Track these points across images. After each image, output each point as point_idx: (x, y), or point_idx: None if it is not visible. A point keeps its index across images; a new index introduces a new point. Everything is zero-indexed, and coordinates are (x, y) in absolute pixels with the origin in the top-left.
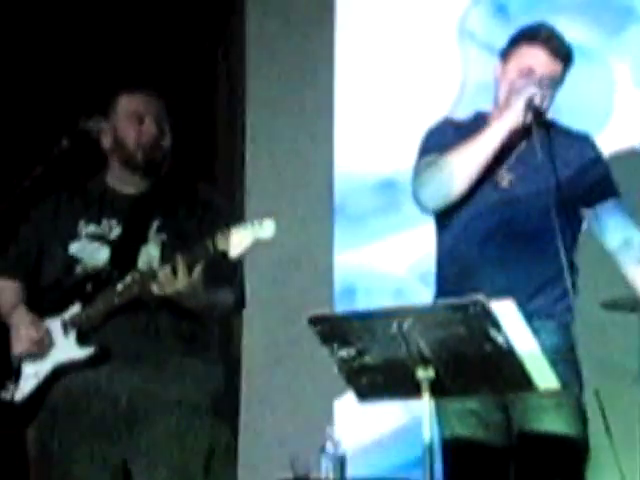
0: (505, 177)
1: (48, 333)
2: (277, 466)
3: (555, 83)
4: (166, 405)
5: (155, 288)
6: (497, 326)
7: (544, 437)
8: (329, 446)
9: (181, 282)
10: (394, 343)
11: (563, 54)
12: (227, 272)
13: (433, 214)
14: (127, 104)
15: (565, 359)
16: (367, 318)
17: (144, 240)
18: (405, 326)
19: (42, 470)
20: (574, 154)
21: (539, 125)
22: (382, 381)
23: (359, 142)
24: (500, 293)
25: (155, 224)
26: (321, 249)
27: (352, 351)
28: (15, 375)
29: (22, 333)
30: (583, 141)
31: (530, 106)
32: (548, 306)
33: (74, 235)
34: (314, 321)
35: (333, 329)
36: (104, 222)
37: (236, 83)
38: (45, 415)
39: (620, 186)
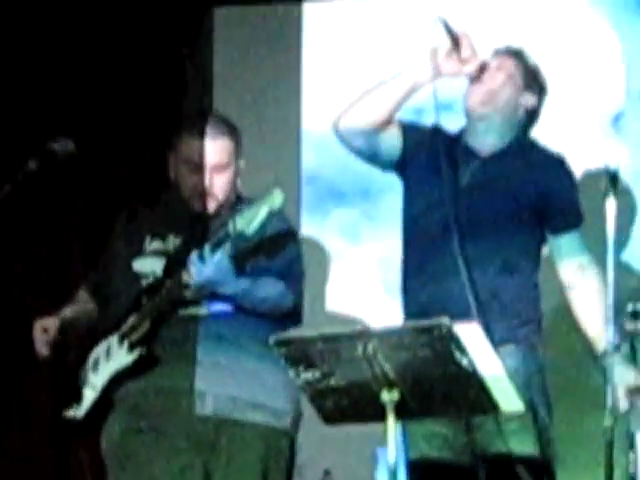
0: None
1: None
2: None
3: None
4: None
5: (186, 278)
6: (462, 349)
7: (508, 459)
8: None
9: (210, 267)
10: (359, 365)
11: None
12: (282, 264)
13: (354, 150)
14: (186, 150)
15: (529, 382)
16: (332, 340)
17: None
18: (370, 348)
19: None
20: (548, 175)
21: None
22: (347, 404)
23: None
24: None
25: (219, 233)
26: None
27: (317, 373)
28: (78, 393)
29: (35, 332)
30: (558, 164)
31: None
32: (512, 329)
33: (140, 252)
34: (278, 343)
35: (297, 351)
36: (169, 237)
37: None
38: (125, 421)
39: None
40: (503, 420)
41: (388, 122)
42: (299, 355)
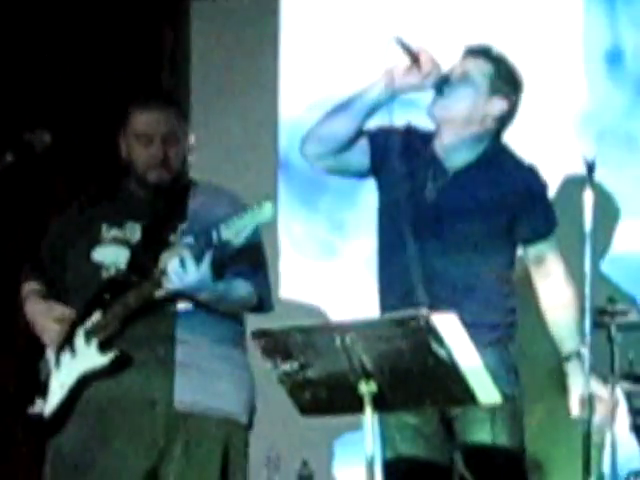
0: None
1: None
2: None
3: None
4: (205, 409)
5: (167, 284)
6: (439, 340)
7: (486, 449)
8: (302, 470)
9: (190, 276)
10: (337, 357)
11: None
12: (243, 267)
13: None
14: (136, 124)
15: (502, 376)
16: (310, 332)
17: (165, 244)
18: (348, 340)
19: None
20: (517, 187)
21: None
22: (325, 395)
23: (305, 94)
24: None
25: (181, 226)
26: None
27: (295, 365)
28: (42, 388)
29: (44, 321)
30: (530, 172)
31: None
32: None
33: (98, 241)
34: (257, 335)
35: (276, 343)
36: (127, 225)
37: (181, 45)
38: (75, 423)
39: None
40: (479, 411)
41: (353, 141)
42: (277, 347)
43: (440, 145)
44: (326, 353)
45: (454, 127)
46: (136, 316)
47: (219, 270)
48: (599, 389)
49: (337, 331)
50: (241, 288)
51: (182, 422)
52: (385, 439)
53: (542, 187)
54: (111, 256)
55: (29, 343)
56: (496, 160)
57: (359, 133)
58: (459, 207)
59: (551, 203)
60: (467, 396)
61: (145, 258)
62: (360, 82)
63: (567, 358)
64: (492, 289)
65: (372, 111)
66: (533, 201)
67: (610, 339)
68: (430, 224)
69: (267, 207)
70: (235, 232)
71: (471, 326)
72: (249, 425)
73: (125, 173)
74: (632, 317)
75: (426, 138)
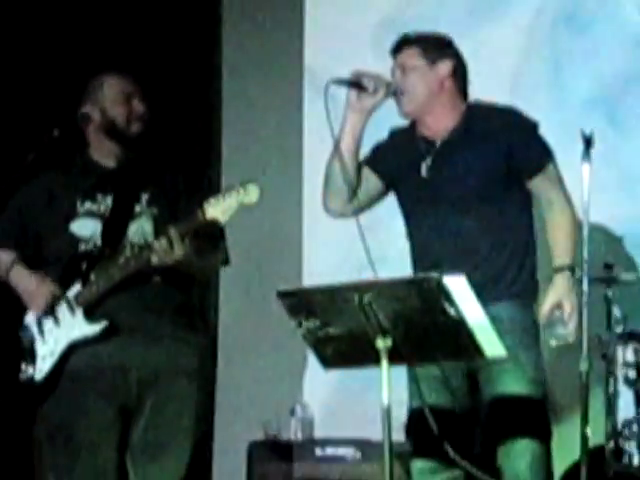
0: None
1: (56, 295)
2: (249, 428)
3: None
4: (165, 372)
5: (154, 259)
6: (450, 300)
7: (509, 398)
8: (298, 409)
9: (177, 252)
10: (356, 315)
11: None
12: (213, 235)
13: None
14: (115, 86)
15: (522, 329)
16: (331, 292)
17: (132, 214)
18: (366, 299)
19: (55, 444)
20: (503, 132)
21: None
22: (345, 350)
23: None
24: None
25: (144, 198)
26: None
27: (317, 322)
28: (29, 354)
29: (33, 290)
30: (515, 113)
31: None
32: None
33: (74, 214)
34: (282, 295)
35: (300, 302)
36: (99, 197)
37: (211, 60)
38: (60, 388)
39: None
40: (500, 363)
41: (356, 179)
42: (301, 306)
43: (424, 127)
44: (346, 311)
45: (426, 107)
46: (117, 287)
47: (201, 246)
48: (566, 297)
49: (356, 291)
50: (213, 256)
51: (152, 383)
52: (413, 390)
53: (530, 122)
54: (87, 229)
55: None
56: (479, 113)
57: (358, 169)
58: (454, 171)
59: (542, 137)
60: (474, 350)
61: (116, 229)
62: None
63: (555, 270)
64: (506, 244)
65: (358, 146)
66: (524, 135)
67: (607, 297)
68: (429, 196)
69: (253, 190)
70: (221, 211)
71: (487, 282)
72: (209, 381)
73: (83, 145)
74: (627, 277)
75: (410, 130)
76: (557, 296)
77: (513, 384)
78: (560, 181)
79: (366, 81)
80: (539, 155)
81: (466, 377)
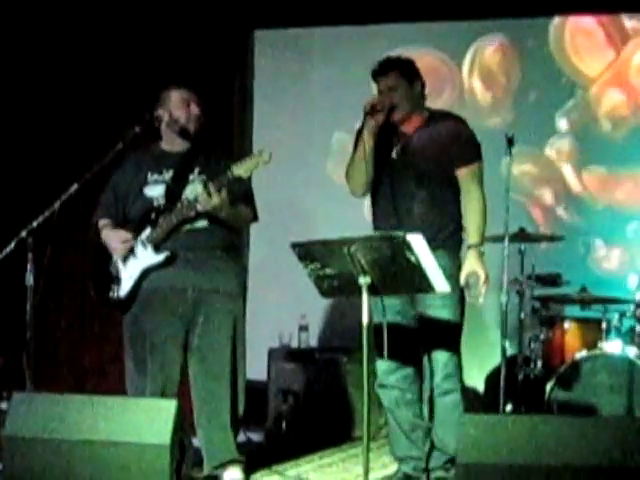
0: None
1: (131, 242)
2: (270, 337)
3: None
4: (212, 292)
5: (199, 207)
6: (411, 250)
7: (438, 322)
8: (303, 325)
9: (215, 200)
10: (345, 260)
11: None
12: (245, 194)
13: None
14: (178, 95)
15: (451, 275)
16: (327, 244)
17: (187, 181)
18: (352, 249)
19: (135, 342)
20: (451, 129)
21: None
22: (337, 285)
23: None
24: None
25: (196, 170)
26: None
27: (318, 265)
28: (116, 280)
29: (114, 243)
30: (459, 121)
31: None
32: (442, 240)
33: (146, 183)
34: (294, 245)
35: (306, 251)
36: (163, 171)
37: (247, 75)
38: (138, 304)
39: None
40: (433, 297)
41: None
42: (307, 253)
43: (402, 126)
44: (338, 257)
45: (407, 115)
46: (175, 230)
47: (236, 199)
48: (479, 268)
49: (345, 243)
50: (244, 209)
51: (203, 301)
52: (376, 313)
53: (468, 130)
54: (155, 191)
55: (97, 256)
56: (438, 117)
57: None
58: (414, 157)
59: (477, 143)
60: (428, 286)
61: (175, 191)
62: None
63: (468, 247)
64: (444, 211)
65: (374, 140)
66: (463, 137)
67: (520, 250)
68: (395, 173)
69: (266, 153)
70: (244, 170)
71: (431, 239)
72: (243, 301)
73: (157, 137)
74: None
75: (394, 127)
76: (471, 267)
77: (440, 311)
78: (480, 178)
79: (378, 105)
80: (469, 153)
81: (410, 304)
